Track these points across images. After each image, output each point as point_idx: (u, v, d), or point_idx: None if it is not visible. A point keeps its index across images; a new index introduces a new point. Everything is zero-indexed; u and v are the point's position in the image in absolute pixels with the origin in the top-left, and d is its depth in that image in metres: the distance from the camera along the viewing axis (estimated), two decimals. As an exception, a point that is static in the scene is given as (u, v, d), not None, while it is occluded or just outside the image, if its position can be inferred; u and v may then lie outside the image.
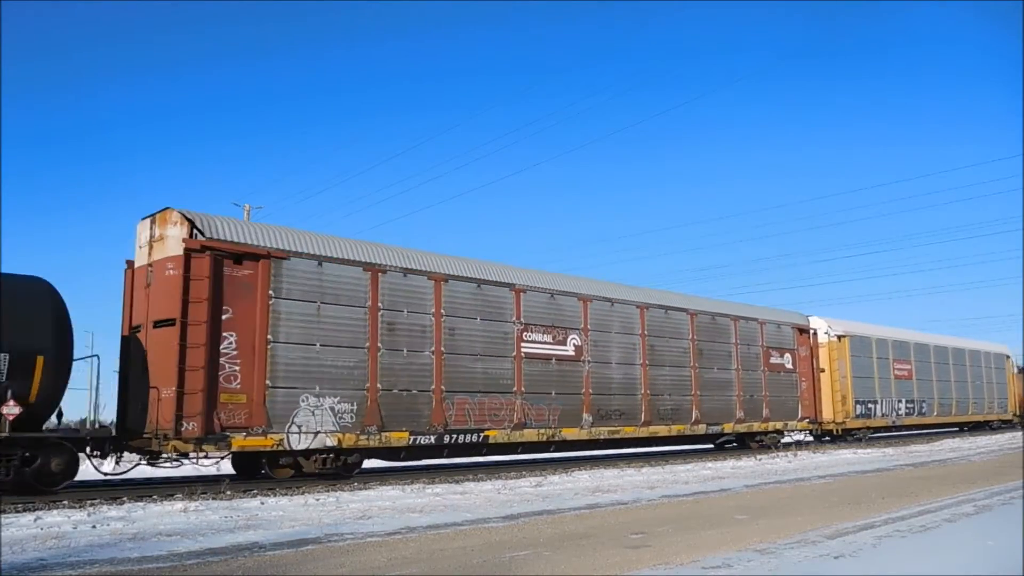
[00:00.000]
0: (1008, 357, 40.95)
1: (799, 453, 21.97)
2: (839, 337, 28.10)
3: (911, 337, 32.80)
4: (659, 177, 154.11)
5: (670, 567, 6.30)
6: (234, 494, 11.64)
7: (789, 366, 24.87)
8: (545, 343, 17.69)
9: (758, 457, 20.33)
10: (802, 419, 24.96)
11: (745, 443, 24.03)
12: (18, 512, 9.50)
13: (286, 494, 11.80)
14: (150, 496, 11.29)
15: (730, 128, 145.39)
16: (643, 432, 19.55)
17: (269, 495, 11.64)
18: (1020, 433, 36.91)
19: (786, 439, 26.57)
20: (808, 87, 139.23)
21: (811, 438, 28.13)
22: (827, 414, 26.95)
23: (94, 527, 8.41)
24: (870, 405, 28.87)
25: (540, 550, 7.13)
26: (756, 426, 23.09)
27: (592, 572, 6.17)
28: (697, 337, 21.60)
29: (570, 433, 17.76)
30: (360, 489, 12.59)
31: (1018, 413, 40.46)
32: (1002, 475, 14.87)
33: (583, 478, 14.57)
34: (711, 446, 24.72)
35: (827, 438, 28.47)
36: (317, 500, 11.01)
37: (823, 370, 26.93)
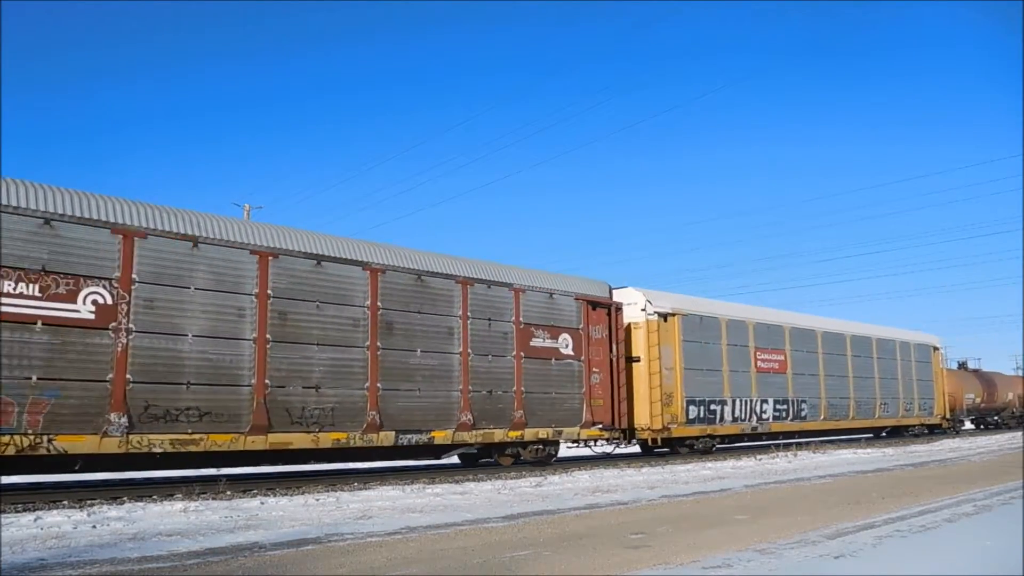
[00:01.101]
0: (936, 349, 34.33)
1: (799, 453, 21.95)
2: (664, 316, 20.90)
3: (786, 320, 26.11)
4: (659, 177, 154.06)
5: (670, 567, 6.30)
6: (234, 494, 11.64)
7: (567, 351, 17.85)
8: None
9: (758, 457, 20.31)
10: (591, 424, 18.08)
11: (490, 456, 17.26)
12: (18, 512, 9.50)
13: (286, 494, 11.80)
14: (150, 496, 11.29)
15: (730, 128, 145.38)
16: (251, 443, 12.75)
17: (269, 495, 11.64)
18: (1020, 433, 36.82)
19: (578, 450, 20.95)
20: (808, 87, 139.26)
21: (619, 449, 20.84)
22: (641, 418, 19.97)
23: (94, 527, 8.41)
24: (715, 407, 21.99)
25: (540, 550, 7.13)
26: (500, 434, 16.23)
27: (592, 572, 6.17)
28: (383, 304, 14.75)
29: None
30: (360, 489, 12.59)
31: (947, 416, 34.67)
32: (1002, 475, 14.88)
33: (583, 478, 14.57)
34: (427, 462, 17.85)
35: (656, 449, 21.81)
36: (317, 500, 11.01)
37: (637, 359, 20.29)
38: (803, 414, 25.67)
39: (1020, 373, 51.65)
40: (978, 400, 39.78)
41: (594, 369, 18.58)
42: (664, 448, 21.55)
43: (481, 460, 17.82)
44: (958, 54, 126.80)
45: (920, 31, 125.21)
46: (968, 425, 44.54)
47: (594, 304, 18.92)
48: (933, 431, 34.57)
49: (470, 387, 15.90)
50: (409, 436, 14.78)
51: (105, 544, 7.43)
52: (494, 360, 16.49)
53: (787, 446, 24.22)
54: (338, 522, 8.98)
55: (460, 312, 15.99)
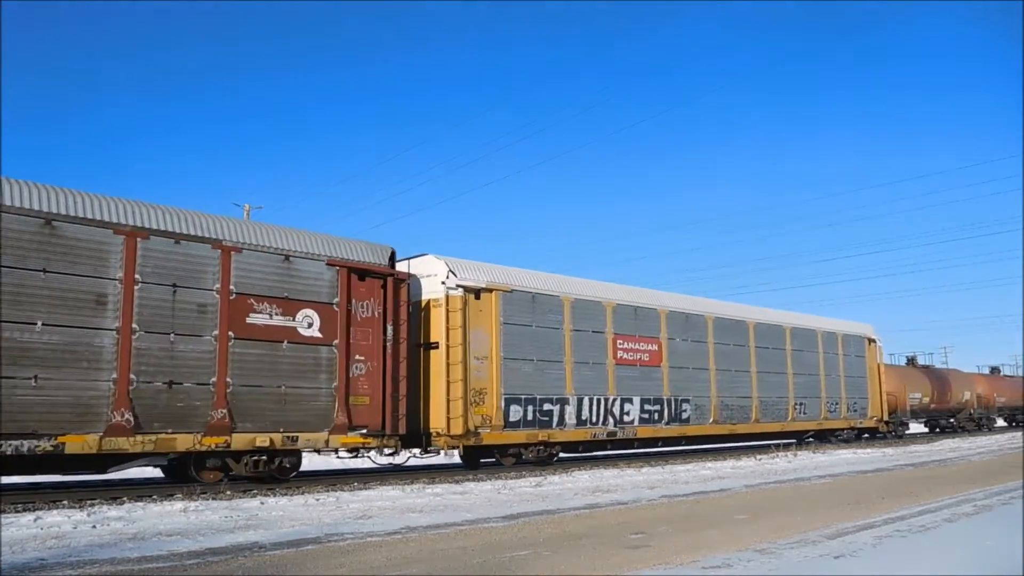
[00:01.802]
0: (872, 342, 29.27)
1: (799, 453, 21.95)
2: (476, 292, 16.34)
3: (663, 302, 21.12)
4: (659, 177, 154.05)
5: (670, 567, 6.30)
6: (234, 494, 11.64)
7: (310, 332, 13.47)
8: None
9: (758, 457, 20.31)
10: (346, 429, 13.70)
11: (190, 474, 12.61)
12: (18, 512, 9.50)
13: (286, 494, 11.80)
14: (150, 496, 11.28)
15: (729, 128, 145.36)
16: None
17: (269, 495, 11.64)
18: (1020, 433, 36.74)
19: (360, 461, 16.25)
20: (807, 87, 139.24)
21: (396, 459, 15.73)
22: (437, 420, 15.53)
23: (94, 527, 8.41)
24: (551, 406, 17.34)
25: (540, 550, 7.13)
26: (186, 441, 11.96)
27: (592, 572, 6.17)
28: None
29: None
30: (360, 489, 12.59)
31: (885, 419, 29.61)
32: (1002, 475, 14.88)
33: (583, 478, 14.57)
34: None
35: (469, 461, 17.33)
36: (317, 500, 11.01)
37: (434, 345, 15.81)
38: (685, 416, 20.61)
39: (983, 371, 46.08)
40: (927, 400, 34.34)
41: (357, 357, 14.01)
42: (489, 459, 17.38)
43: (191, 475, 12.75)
44: (958, 54, 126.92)
45: (920, 31, 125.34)
46: (918, 428, 40.50)
47: (361, 273, 14.32)
48: (871, 435, 30.17)
49: (133, 376, 11.57)
50: (16, 443, 10.48)
51: (105, 544, 7.42)
52: (179, 340, 12.07)
53: (685, 454, 21.80)
54: (338, 522, 8.98)
55: (120, 273, 11.68)
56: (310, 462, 16.26)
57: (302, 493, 11.88)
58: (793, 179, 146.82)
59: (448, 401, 15.56)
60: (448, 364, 15.71)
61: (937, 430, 38.76)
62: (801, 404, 25.15)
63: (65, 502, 10.54)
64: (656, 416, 20.03)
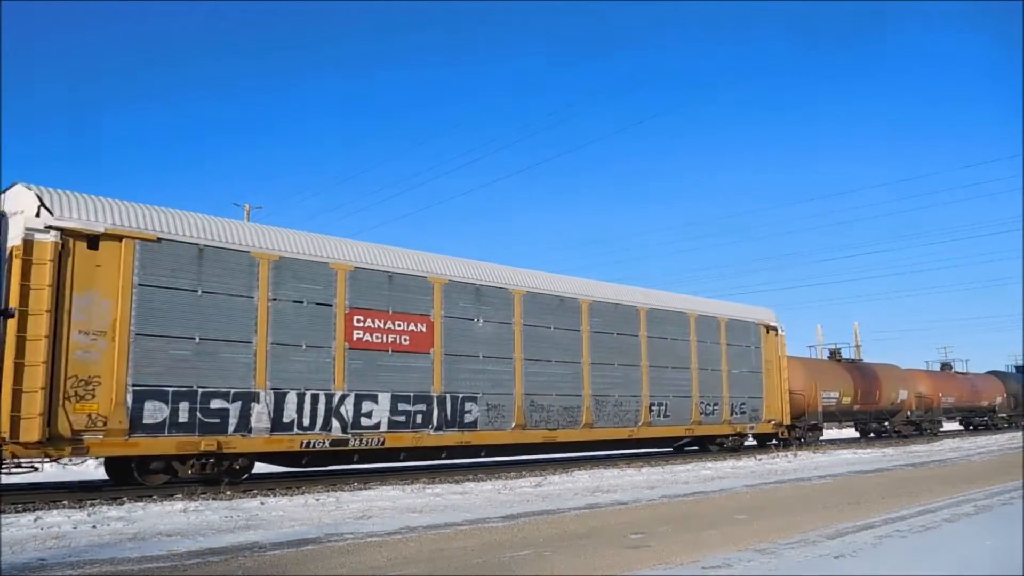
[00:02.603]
0: (771, 330, 24.37)
1: (799, 453, 21.96)
2: (91, 239, 11.71)
3: (438, 268, 16.10)
4: (658, 177, 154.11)
5: (670, 567, 6.29)
6: (234, 494, 11.65)
7: None
8: None
9: (758, 457, 20.31)
10: None
11: None
12: (18, 512, 9.50)
13: (286, 494, 11.80)
14: (150, 496, 11.28)
15: (730, 128, 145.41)
16: None
17: (269, 495, 11.64)
18: (1020, 433, 36.62)
19: None
20: (807, 87, 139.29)
21: None
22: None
23: (94, 527, 8.41)
24: (222, 403, 12.68)
25: (540, 550, 7.13)
26: None
27: (592, 572, 6.17)
28: None
29: None
30: (360, 489, 12.59)
31: (787, 423, 24.55)
32: (1002, 475, 14.88)
33: (583, 478, 14.57)
34: None
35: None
36: (317, 500, 11.02)
37: (8, 312, 8.34)
38: (469, 419, 15.94)
39: (926, 367, 41.07)
40: (848, 400, 29.00)
41: None
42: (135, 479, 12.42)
43: None
44: (958, 54, 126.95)
45: (920, 31, 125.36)
46: (837, 434, 36.50)
47: None
48: (772, 443, 24.98)
49: None
50: None
51: (105, 544, 7.43)
52: None
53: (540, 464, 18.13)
54: (338, 522, 8.98)
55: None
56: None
57: (302, 493, 11.89)
58: (792, 179, 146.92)
59: (20, 393, 10.72)
60: (30, 341, 10.87)
61: (872, 435, 33.08)
62: (660, 405, 19.92)
63: (65, 502, 10.55)
64: (419, 419, 15.05)
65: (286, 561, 6.65)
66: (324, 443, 13.79)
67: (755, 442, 25.77)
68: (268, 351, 13.27)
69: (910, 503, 10.50)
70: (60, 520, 8.80)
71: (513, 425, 16.68)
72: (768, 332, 24.36)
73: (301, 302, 13.83)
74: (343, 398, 14.15)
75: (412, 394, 15.13)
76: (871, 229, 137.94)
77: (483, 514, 9.70)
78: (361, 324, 14.59)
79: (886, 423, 33.00)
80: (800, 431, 26.33)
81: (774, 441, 25.11)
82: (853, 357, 33.28)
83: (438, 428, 15.44)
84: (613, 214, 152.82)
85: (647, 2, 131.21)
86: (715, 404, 21.84)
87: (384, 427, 14.64)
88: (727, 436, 22.64)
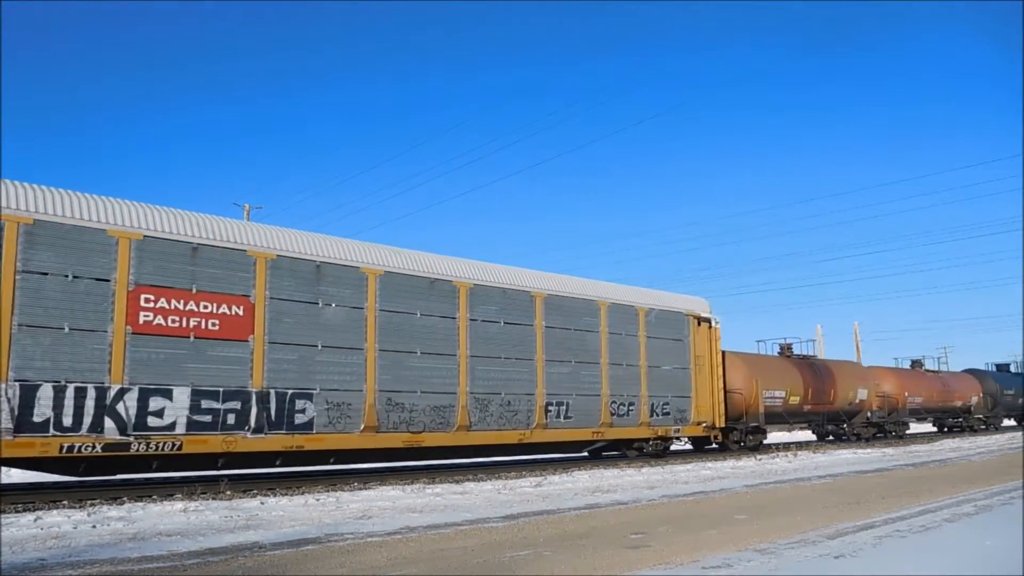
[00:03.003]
0: (704, 322, 21.94)
1: (799, 453, 21.98)
2: None
3: (261, 241, 13.62)
4: (658, 177, 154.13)
5: (670, 567, 6.29)
6: (234, 494, 11.65)
7: None
8: None
9: (758, 457, 20.33)
10: None
11: None
12: (18, 512, 9.51)
13: (286, 494, 11.81)
14: (150, 496, 11.29)
15: (728, 129, 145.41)
16: None
17: (269, 495, 11.65)
18: (1020, 433, 36.58)
19: None
20: (807, 87, 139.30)
21: None
22: None
23: (94, 527, 8.42)
24: None
25: (540, 550, 7.13)
26: None
27: (592, 572, 6.17)
28: None
29: None
30: (360, 489, 12.59)
31: (720, 425, 21.71)
32: (1002, 475, 14.88)
33: (583, 478, 14.57)
34: None
35: None
36: (317, 500, 11.02)
37: None
38: (303, 420, 13.51)
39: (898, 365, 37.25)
40: (796, 400, 26.06)
41: None
42: None
43: None
44: (959, 53, 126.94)
45: (920, 31, 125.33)
46: (787, 437, 32.36)
47: None
48: (706, 446, 22.92)
49: None
50: None
51: (105, 544, 7.43)
52: None
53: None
54: (338, 522, 8.98)
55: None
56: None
57: (302, 493, 11.89)
58: (793, 180, 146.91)
59: None
60: None
61: (830, 438, 30.26)
62: (560, 404, 17.50)
63: (65, 502, 10.55)
64: (231, 420, 12.69)
65: (286, 561, 6.65)
66: (94, 447, 11.28)
67: (689, 445, 23.43)
68: (13, 332, 10.80)
69: (910, 503, 10.50)
70: (60, 520, 8.80)
71: (362, 427, 14.16)
72: (700, 324, 21.71)
73: (67, 276, 11.38)
74: (122, 393, 11.63)
75: (221, 389, 12.61)
76: (871, 229, 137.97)
77: (483, 514, 9.71)
78: (152, 305, 12.09)
79: (844, 425, 29.99)
80: (739, 434, 23.40)
81: (714, 445, 22.88)
82: (808, 353, 29.26)
83: (258, 430, 12.88)
84: (613, 214, 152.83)
85: (648, 2, 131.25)
86: (631, 404, 19.21)
87: (181, 428, 12.13)
88: (646, 440, 19.93)
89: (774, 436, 31.40)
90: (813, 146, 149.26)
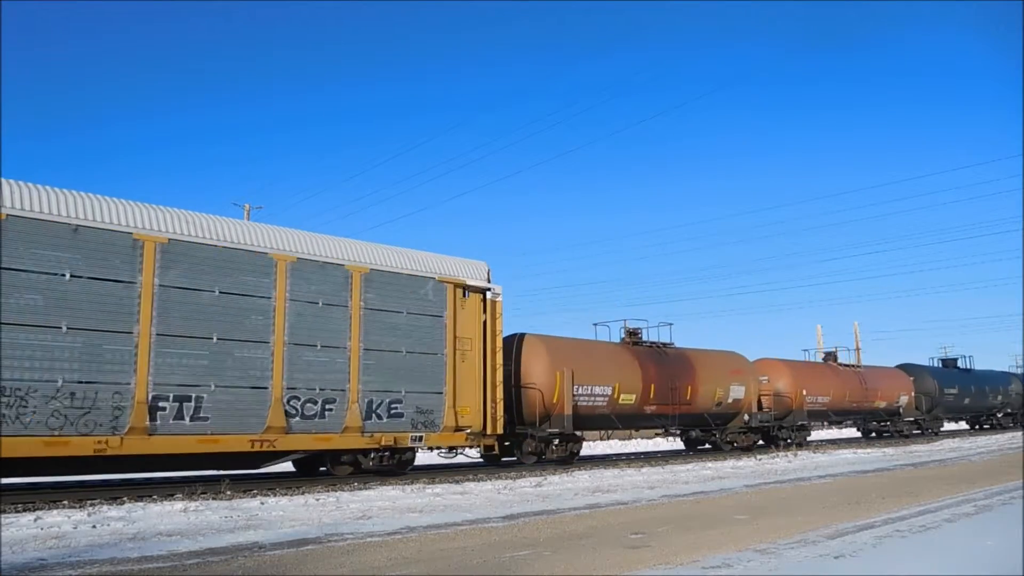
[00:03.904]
0: (475, 292, 16.52)
1: (799, 453, 21.99)
2: None
3: None
4: (659, 177, 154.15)
5: (670, 567, 6.30)
6: (234, 494, 11.65)
7: None
8: None
9: (758, 457, 20.33)
10: None
11: None
12: (18, 512, 9.50)
13: (286, 494, 11.81)
14: (150, 496, 11.29)
15: (728, 129, 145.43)
16: None
17: (269, 495, 11.65)
18: (1020, 433, 36.31)
19: None
20: (807, 87, 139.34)
21: None
22: None
23: (94, 527, 8.41)
24: None
25: (540, 550, 7.13)
26: None
27: (592, 572, 6.17)
28: None
29: None
30: (360, 489, 12.59)
31: (495, 432, 16.44)
32: (1002, 475, 14.88)
33: (583, 478, 14.58)
34: None
35: None
36: (317, 500, 11.02)
37: None
38: None
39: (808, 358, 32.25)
40: (632, 400, 20.04)
41: None
42: None
43: None
44: (959, 53, 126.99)
45: (920, 31, 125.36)
46: (619, 446, 27.78)
47: None
48: (503, 460, 18.12)
49: None
50: None
51: (105, 544, 7.43)
52: None
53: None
54: (338, 522, 8.99)
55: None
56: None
57: (302, 493, 11.89)
58: (793, 180, 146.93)
59: None
60: None
61: (701, 449, 24.94)
62: (184, 399, 12.30)
63: (65, 502, 10.55)
64: None
65: (286, 561, 6.65)
66: None
67: (450, 456, 16.96)
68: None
69: (910, 503, 10.50)
70: (60, 520, 8.80)
71: None
72: (467, 295, 16.20)
73: None
74: None
75: None
76: (871, 229, 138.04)
77: (483, 514, 9.71)
78: None
79: (714, 434, 23.76)
80: (535, 442, 17.84)
81: (517, 457, 17.93)
82: (665, 341, 22.94)
83: None
84: (613, 214, 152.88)
85: (648, 2, 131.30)
86: (328, 401, 13.94)
87: None
88: (363, 452, 14.53)
89: (600, 446, 27.46)
90: (813, 146, 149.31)
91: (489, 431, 16.23)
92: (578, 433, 19.08)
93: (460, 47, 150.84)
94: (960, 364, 39.63)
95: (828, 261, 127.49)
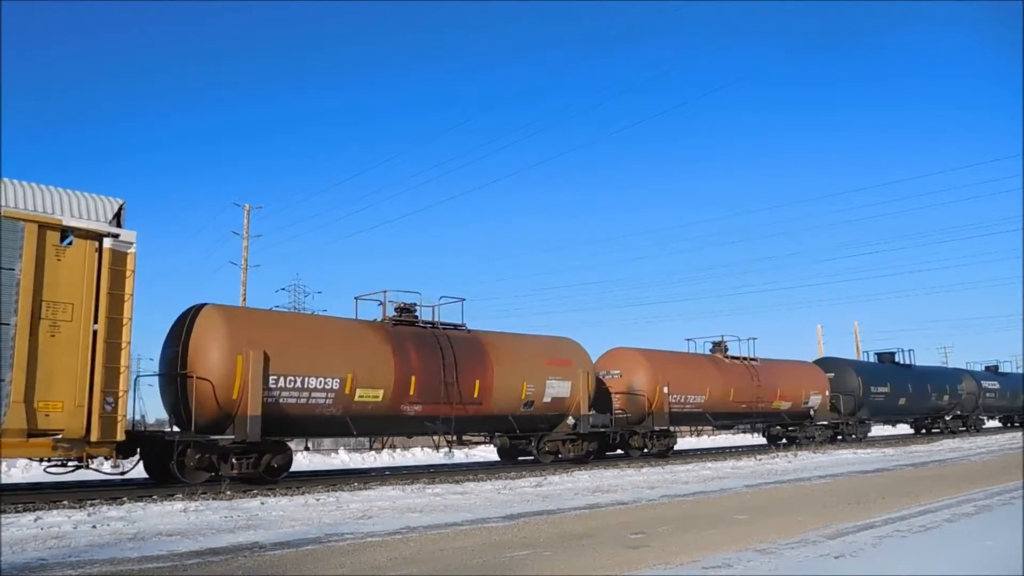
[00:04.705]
0: (87, 240, 11.57)
1: (799, 453, 21.99)
2: None
3: None
4: (659, 177, 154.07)
5: (670, 567, 6.29)
6: (234, 494, 11.65)
7: None
8: None
9: (758, 457, 20.34)
10: None
11: None
12: (18, 512, 9.50)
13: (286, 494, 11.81)
14: (150, 496, 11.28)
15: (730, 128, 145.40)
16: None
17: (269, 495, 11.65)
18: (1020, 433, 36.20)
19: None
20: (807, 87, 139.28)
21: None
22: None
23: (94, 527, 8.41)
24: None
25: (540, 550, 7.13)
26: None
27: (592, 572, 6.16)
28: None
29: None
30: (360, 489, 12.59)
31: (110, 438, 11.45)
32: (1002, 475, 14.87)
33: (583, 478, 14.57)
34: None
35: None
36: (317, 500, 11.02)
37: None
38: None
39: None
40: (379, 396, 15.21)
41: None
42: None
43: None
44: (959, 53, 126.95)
45: (920, 30, 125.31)
46: (361, 460, 21.63)
47: None
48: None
49: None
50: None
51: (105, 544, 7.42)
52: None
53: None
54: (338, 522, 8.98)
55: None
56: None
57: (302, 493, 11.89)
58: (793, 180, 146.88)
59: None
60: None
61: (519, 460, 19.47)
62: None
63: (65, 502, 10.55)
64: None
65: (286, 561, 6.65)
66: None
67: (66, 471, 12.05)
68: None
69: (910, 503, 10.49)
70: (60, 520, 8.80)
71: None
72: (68, 241, 11.70)
73: None
74: None
75: None
76: (871, 229, 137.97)
77: (483, 514, 9.70)
78: None
79: (530, 439, 18.48)
80: (203, 457, 13.06)
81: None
82: (455, 322, 17.75)
83: None
84: (612, 214, 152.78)
85: (648, 2, 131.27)
86: None
87: None
88: None
89: (316, 460, 20.88)
90: (813, 146, 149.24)
91: (97, 436, 11.39)
92: (284, 441, 14.19)
93: (461, 47, 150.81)
94: (899, 359, 33.70)
95: (828, 261, 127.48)
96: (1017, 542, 7.35)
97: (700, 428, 28.80)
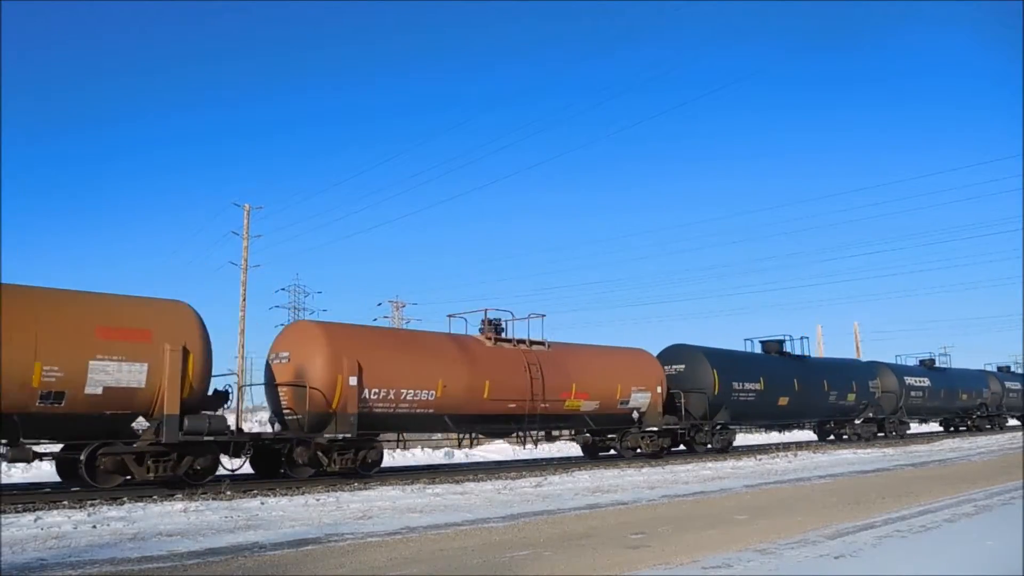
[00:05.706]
0: None
1: (799, 453, 21.99)
2: None
3: None
4: (659, 177, 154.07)
5: (670, 567, 6.29)
6: (234, 494, 11.65)
7: None
8: None
9: (758, 457, 20.34)
10: None
11: None
12: (18, 512, 9.50)
13: (286, 494, 11.81)
14: (150, 496, 11.29)
15: (730, 128, 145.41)
16: None
17: (269, 495, 11.65)
18: (1020, 434, 36.21)
19: None
20: (807, 87, 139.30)
21: None
22: None
23: (94, 527, 8.41)
24: None
25: (540, 550, 7.13)
26: None
27: (592, 572, 6.16)
28: None
29: None
30: (360, 489, 12.59)
31: None
32: (1002, 475, 14.86)
33: (583, 478, 14.57)
34: None
35: None
36: (317, 500, 11.02)
37: None
38: None
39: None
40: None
41: None
42: None
43: None
44: (959, 53, 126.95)
45: (921, 31, 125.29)
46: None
47: None
48: None
49: None
50: None
51: (105, 544, 7.42)
52: None
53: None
54: (338, 522, 8.98)
55: None
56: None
57: (302, 493, 11.89)
58: (793, 180, 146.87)
59: None
60: None
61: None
62: None
63: (65, 502, 10.55)
64: None
65: (286, 561, 6.65)
66: None
67: None
68: None
69: (910, 503, 10.48)
70: (60, 520, 8.80)
71: None
72: None
73: None
74: None
75: None
76: (871, 229, 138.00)
77: (483, 514, 9.70)
78: None
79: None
80: None
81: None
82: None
83: None
84: (612, 214, 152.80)
85: (647, 2, 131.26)
86: None
87: None
88: None
89: None
90: (813, 146, 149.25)
91: None
92: None
93: (461, 47, 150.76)
94: (789, 348, 26.53)
95: (828, 261, 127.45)
96: (1017, 542, 7.35)
97: (428, 436, 21.40)
